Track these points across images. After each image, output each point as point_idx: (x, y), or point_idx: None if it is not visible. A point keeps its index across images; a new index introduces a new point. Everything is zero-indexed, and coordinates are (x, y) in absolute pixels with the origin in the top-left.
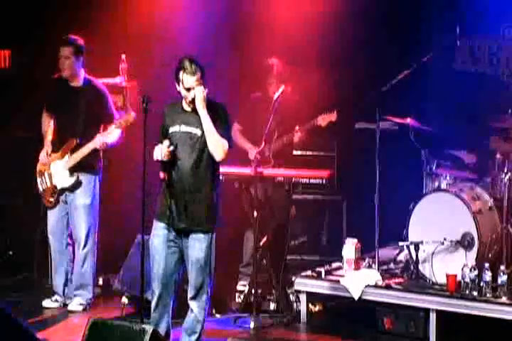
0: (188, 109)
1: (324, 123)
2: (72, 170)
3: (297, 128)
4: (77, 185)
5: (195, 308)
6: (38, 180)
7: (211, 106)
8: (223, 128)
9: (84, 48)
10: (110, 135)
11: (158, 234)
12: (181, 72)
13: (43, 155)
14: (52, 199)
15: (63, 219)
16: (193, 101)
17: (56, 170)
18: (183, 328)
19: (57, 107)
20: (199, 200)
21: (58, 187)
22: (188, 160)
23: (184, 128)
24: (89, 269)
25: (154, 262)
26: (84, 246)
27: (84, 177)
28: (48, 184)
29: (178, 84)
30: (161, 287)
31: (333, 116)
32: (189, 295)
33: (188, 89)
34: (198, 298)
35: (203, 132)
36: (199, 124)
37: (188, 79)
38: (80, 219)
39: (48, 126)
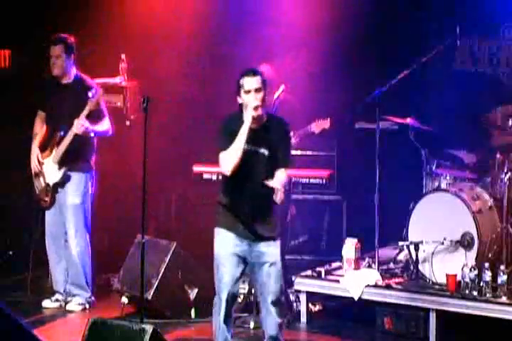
0: (251, 125)
1: (318, 130)
2: (61, 164)
3: (291, 133)
4: (67, 179)
5: (275, 312)
6: (35, 182)
7: (276, 123)
8: (289, 157)
9: (74, 46)
10: (99, 125)
11: (230, 243)
12: (242, 79)
13: (34, 159)
14: (47, 199)
15: (60, 217)
16: (256, 118)
17: (47, 167)
18: (269, 335)
19: (47, 106)
20: (267, 214)
21: (51, 185)
22: (257, 178)
23: (250, 146)
24: (84, 269)
25: (226, 271)
26: (75, 246)
27: (74, 176)
28: (43, 184)
29: (240, 94)
30: (231, 296)
31: (326, 124)
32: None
33: (248, 92)
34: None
35: (269, 152)
36: (265, 143)
37: (249, 80)
38: (69, 219)
39: (40, 130)
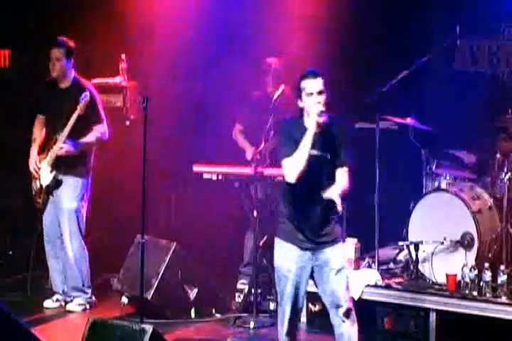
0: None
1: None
2: (53, 167)
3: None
4: (60, 182)
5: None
6: (32, 184)
7: (335, 123)
8: (348, 159)
9: (74, 50)
10: (89, 135)
11: (292, 255)
12: (303, 81)
13: (33, 165)
14: (39, 200)
15: (55, 220)
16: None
17: (42, 169)
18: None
19: (46, 110)
20: (330, 219)
21: (44, 187)
22: (322, 183)
23: (313, 151)
24: (80, 272)
25: (289, 283)
26: (71, 250)
27: (70, 180)
28: (38, 185)
29: (301, 98)
30: (295, 308)
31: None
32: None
33: (311, 94)
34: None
35: (331, 155)
36: (327, 147)
37: (311, 82)
38: (64, 222)
39: (39, 134)
